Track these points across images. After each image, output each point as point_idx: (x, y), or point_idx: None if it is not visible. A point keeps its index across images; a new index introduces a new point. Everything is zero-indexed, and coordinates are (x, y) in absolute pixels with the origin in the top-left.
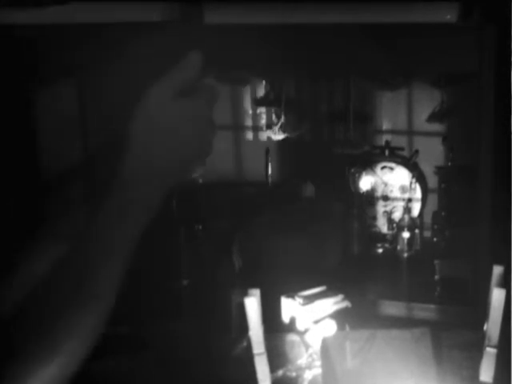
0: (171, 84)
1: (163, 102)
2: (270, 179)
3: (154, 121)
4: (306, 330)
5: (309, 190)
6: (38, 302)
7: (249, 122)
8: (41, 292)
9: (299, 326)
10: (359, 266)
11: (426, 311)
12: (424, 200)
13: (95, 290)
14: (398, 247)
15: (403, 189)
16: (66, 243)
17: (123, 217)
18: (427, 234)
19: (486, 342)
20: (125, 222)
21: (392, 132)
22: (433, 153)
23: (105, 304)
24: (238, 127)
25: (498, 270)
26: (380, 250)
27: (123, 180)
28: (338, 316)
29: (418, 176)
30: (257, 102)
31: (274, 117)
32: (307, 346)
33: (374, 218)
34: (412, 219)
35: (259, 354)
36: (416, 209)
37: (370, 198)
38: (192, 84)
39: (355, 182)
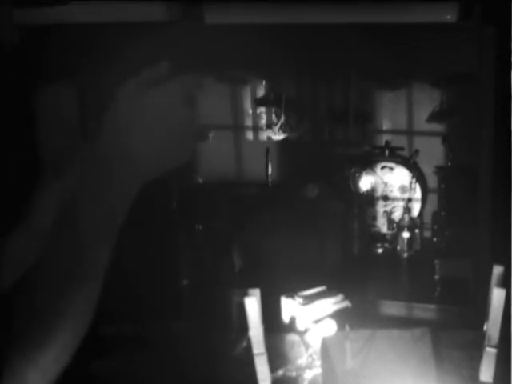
0: (142, 81)
1: (135, 97)
2: (270, 179)
3: (125, 116)
4: (306, 330)
5: (311, 191)
6: (34, 281)
7: (249, 122)
8: (36, 270)
9: (299, 326)
10: (359, 266)
11: (426, 311)
12: (424, 200)
13: (87, 270)
14: (398, 247)
15: (403, 189)
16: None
17: (96, 204)
18: (427, 234)
19: (486, 342)
20: (98, 209)
21: (392, 132)
22: (433, 153)
23: (97, 286)
24: (237, 127)
25: (497, 270)
26: (380, 250)
27: (95, 167)
28: (338, 316)
29: (418, 176)
30: (257, 102)
31: (273, 117)
32: (307, 346)
33: (374, 217)
34: (412, 219)
35: (259, 354)
36: (416, 209)
37: (370, 197)
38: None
39: (355, 182)
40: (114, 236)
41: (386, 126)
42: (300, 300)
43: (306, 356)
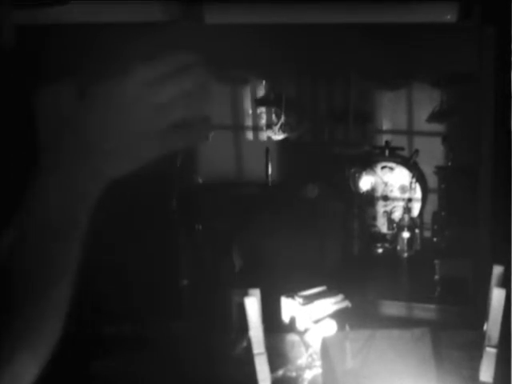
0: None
1: (103, 95)
2: (270, 179)
3: (87, 113)
4: (306, 330)
5: (311, 191)
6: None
7: (249, 122)
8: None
9: (299, 326)
10: (359, 266)
11: (426, 311)
12: (424, 200)
13: (50, 270)
14: (398, 247)
15: (403, 189)
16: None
17: (54, 201)
18: (427, 234)
19: (486, 341)
20: (55, 208)
21: (392, 132)
22: (433, 153)
23: (65, 284)
24: (238, 127)
25: (497, 270)
26: (380, 250)
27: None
28: (338, 316)
29: (418, 176)
30: (257, 102)
31: (274, 117)
32: (307, 346)
33: (374, 217)
34: (412, 219)
35: (259, 354)
36: (416, 209)
37: (370, 197)
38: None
39: (355, 182)
40: (77, 236)
41: (386, 125)
42: (300, 300)
43: (306, 356)
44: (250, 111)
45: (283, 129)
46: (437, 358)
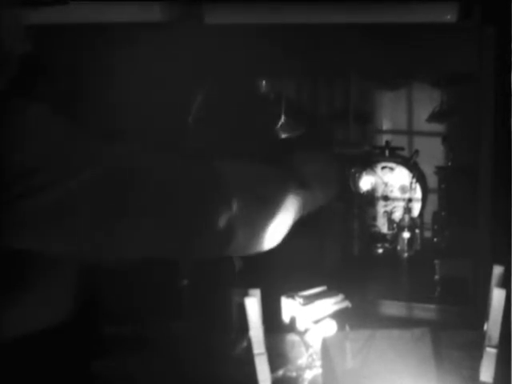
0: None
1: None
2: None
3: None
4: (306, 330)
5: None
6: None
7: None
8: None
9: (299, 326)
10: (359, 266)
11: (426, 311)
12: (424, 200)
13: None
14: (398, 247)
15: (403, 189)
16: None
17: None
18: (427, 234)
19: (486, 341)
20: None
21: (392, 132)
22: (433, 153)
23: None
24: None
25: (498, 270)
26: (380, 250)
27: None
28: (338, 316)
29: (418, 176)
30: None
31: None
32: (307, 346)
33: (374, 218)
34: (412, 219)
35: (259, 354)
36: (416, 209)
37: (370, 198)
38: None
39: (355, 182)
40: None
41: (386, 126)
42: (300, 300)
43: (306, 356)
44: None
45: (283, 129)
46: (437, 358)
